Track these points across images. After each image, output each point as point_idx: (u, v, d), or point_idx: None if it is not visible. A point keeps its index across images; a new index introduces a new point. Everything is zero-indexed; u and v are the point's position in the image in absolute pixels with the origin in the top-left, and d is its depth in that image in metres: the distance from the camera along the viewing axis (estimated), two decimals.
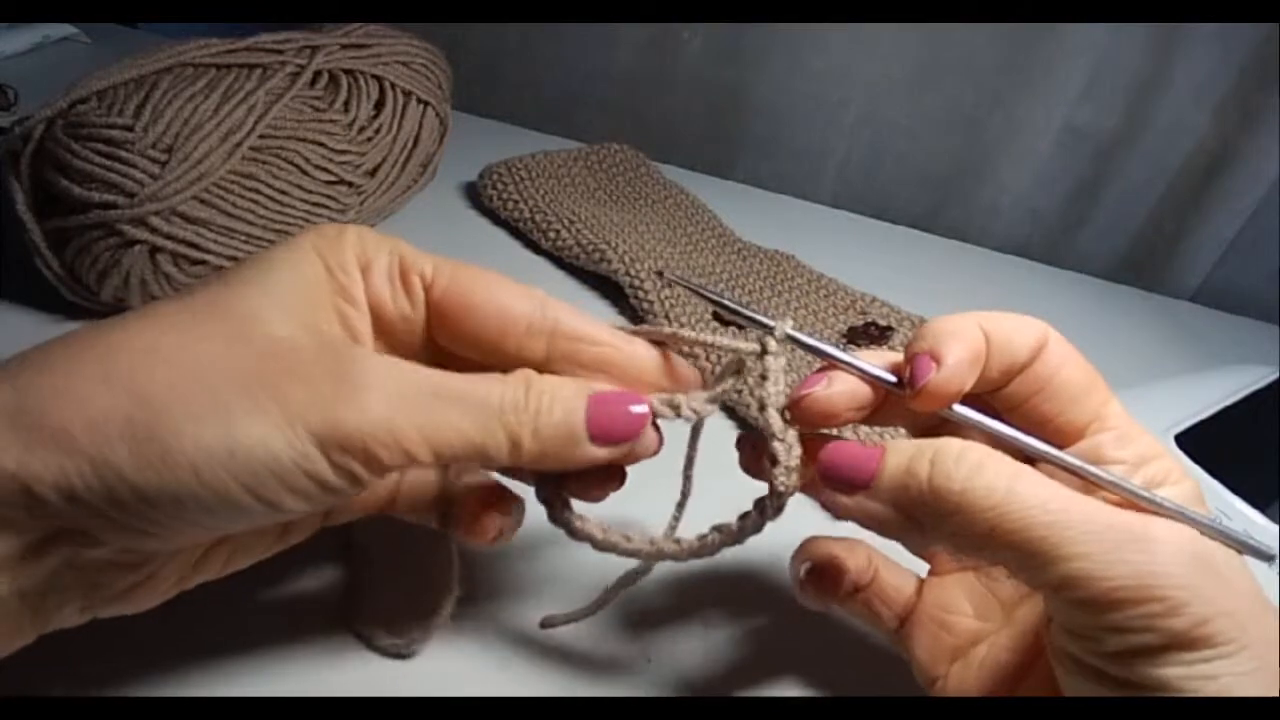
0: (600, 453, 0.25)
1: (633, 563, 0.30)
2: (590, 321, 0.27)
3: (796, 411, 0.26)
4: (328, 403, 0.21)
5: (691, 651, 0.33)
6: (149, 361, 0.21)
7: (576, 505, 0.27)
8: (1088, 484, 0.24)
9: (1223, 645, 0.20)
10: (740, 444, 0.29)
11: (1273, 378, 0.45)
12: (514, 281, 0.27)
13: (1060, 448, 0.25)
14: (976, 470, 0.22)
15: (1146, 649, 0.21)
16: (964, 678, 0.27)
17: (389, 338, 0.27)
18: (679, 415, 0.26)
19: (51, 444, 0.20)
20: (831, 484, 0.25)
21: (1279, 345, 0.63)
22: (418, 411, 0.22)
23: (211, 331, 0.22)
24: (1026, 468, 0.23)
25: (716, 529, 0.27)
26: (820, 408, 0.26)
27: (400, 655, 0.31)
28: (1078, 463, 0.24)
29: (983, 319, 0.26)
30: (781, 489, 0.26)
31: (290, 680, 0.30)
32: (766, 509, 0.26)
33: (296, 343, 0.23)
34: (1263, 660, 0.21)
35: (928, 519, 0.23)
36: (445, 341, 0.27)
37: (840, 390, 0.26)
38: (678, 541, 0.27)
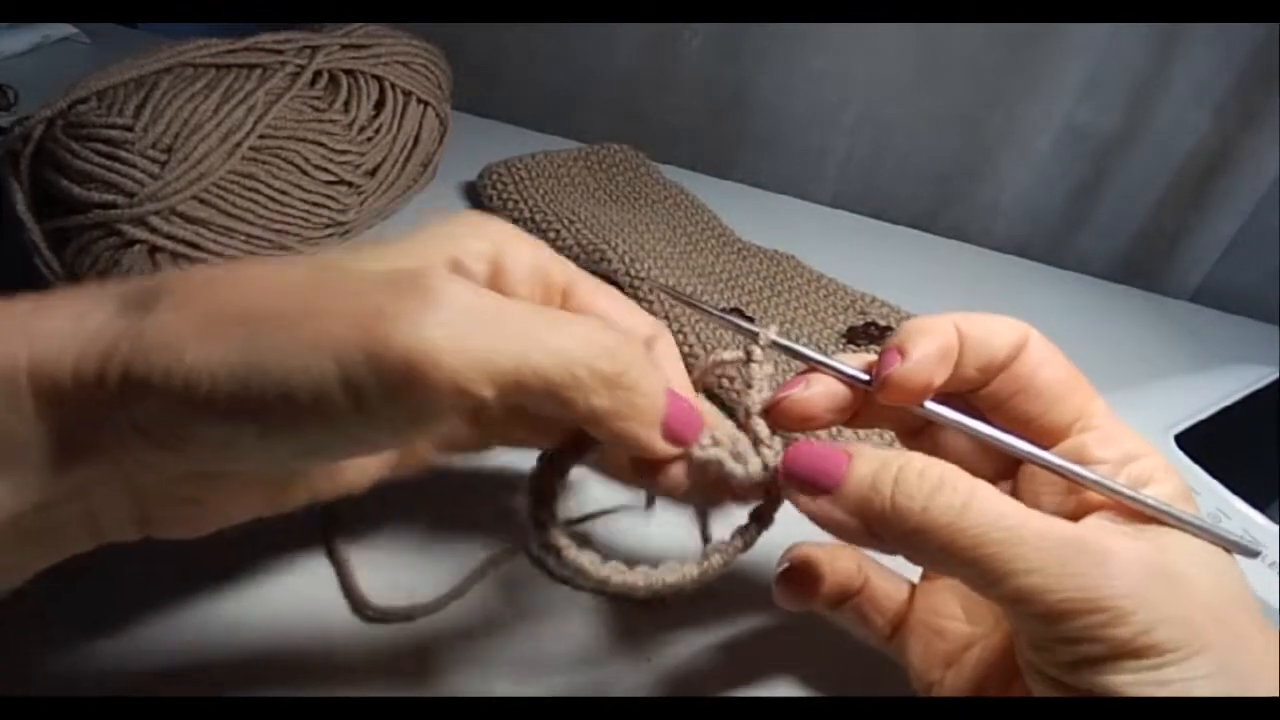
0: (662, 448, 0.24)
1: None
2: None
3: (776, 414, 0.27)
4: (370, 322, 0.19)
5: (691, 651, 0.33)
6: (244, 286, 0.21)
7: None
8: (1072, 483, 0.25)
9: (1171, 652, 0.20)
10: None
11: (1273, 378, 0.45)
12: (634, 305, 0.28)
13: (1045, 448, 0.25)
14: (937, 488, 0.22)
15: (1095, 658, 0.21)
16: (958, 683, 0.28)
17: None
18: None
19: (104, 346, 0.20)
20: (796, 484, 0.24)
21: (1279, 345, 0.63)
22: (476, 337, 0.20)
23: (304, 268, 0.22)
24: (984, 484, 0.23)
25: (716, 549, 0.26)
26: (799, 409, 0.26)
27: (408, 618, 0.31)
28: (1059, 461, 0.25)
29: (959, 318, 0.26)
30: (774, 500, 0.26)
31: (279, 679, 0.30)
32: (764, 518, 0.26)
33: (373, 274, 0.21)
34: (1225, 662, 0.21)
35: (888, 533, 0.23)
36: None
37: (818, 392, 0.26)
38: (680, 564, 0.25)
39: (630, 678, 0.32)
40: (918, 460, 0.23)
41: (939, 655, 0.28)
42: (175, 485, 0.23)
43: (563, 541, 0.24)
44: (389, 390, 0.19)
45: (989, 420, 0.26)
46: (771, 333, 0.27)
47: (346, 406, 0.19)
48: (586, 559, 0.23)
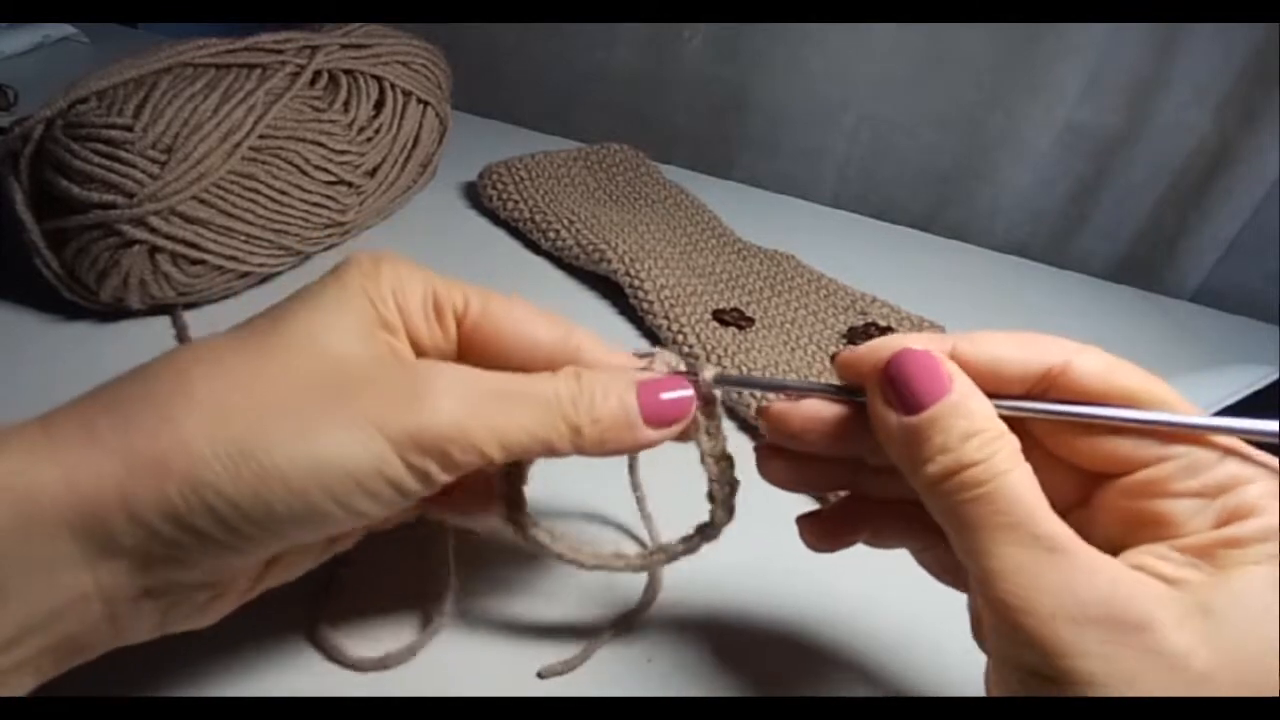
0: (655, 435, 0.27)
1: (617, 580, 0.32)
2: (611, 353, 0.28)
3: (762, 419, 0.28)
4: (402, 410, 0.23)
5: (691, 651, 0.33)
6: (229, 388, 0.22)
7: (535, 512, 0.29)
8: (1139, 511, 0.24)
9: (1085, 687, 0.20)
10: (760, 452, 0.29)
11: (1273, 378, 0.45)
12: (541, 311, 0.28)
13: (1114, 477, 0.24)
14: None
15: (1026, 668, 0.22)
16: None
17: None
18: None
19: (152, 470, 0.21)
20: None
21: (1279, 345, 0.63)
22: (486, 412, 0.24)
23: (279, 354, 0.23)
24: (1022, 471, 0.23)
25: (662, 548, 0.30)
26: (775, 424, 0.27)
27: (378, 668, 0.31)
28: (1064, 408, 0.24)
29: (963, 338, 0.25)
30: (720, 524, 0.29)
31: (275, 680, 0.30)
32: (709, 535, 0.29)
33: (360, 358, 0.24)
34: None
35: (914, 472, 0.23)
36: (473, 363, 0.28)
37: (804, 407, 0.27)
38: (622, 556, 0.30)
39: (630, 678, 0.32)
40: (1009, 456, 0.23)
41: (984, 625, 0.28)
42: (193, 589, 0.24)
43: (529, 523, 0.29)
44: (431, 460, 0.23)
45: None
46: (708, 373, 0.28)
47: (402, 475, 0.23)
48: (545, 537, 0.29)
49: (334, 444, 0.22)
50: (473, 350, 0.28)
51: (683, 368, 0.28)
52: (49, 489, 0.20)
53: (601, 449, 0.26)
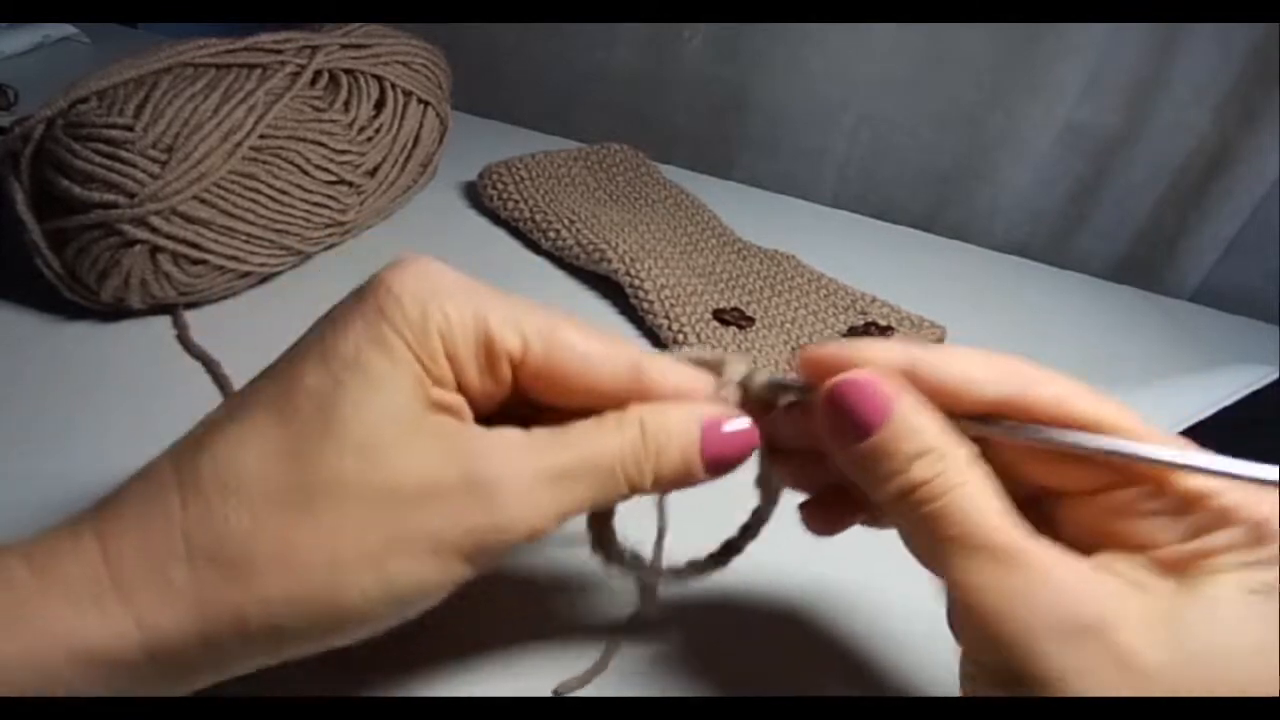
0: (708, 477, 0.26)
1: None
2: (687, 376, 0.26)
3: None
4: (472, 524, 0.23)
5: (690, 652, 0.33)
6: (297, 523, 0.22)
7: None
8: (1107, 520, 0.24)
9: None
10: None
11: (1273, 378, 0.45)
12: (608, 345, 0.25)
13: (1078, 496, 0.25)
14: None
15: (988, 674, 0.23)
16: None
17: (474, 405, 0.26)
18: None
19: (232, 623, 0.21)
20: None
21: (1279, 345, 0.63)
22: (550, 500, 0.23)
23: (339, 472, 0.22)
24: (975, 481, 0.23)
25: (713, 556, 0.30)
26: (772, 433, 0.27)
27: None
28: (1025, 430, 0.24)
29: (920, 356, 0.24)
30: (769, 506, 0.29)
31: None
32: (762, 517, 0.29)
33: (424, 463, 0.23)
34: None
35: (871, 494, 0.24)
36: (529, 397, 0.26)
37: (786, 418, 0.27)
38: (695, 564, 0.30)
39: (630, 678, 0.32)
40: (959, 473, 0.23)
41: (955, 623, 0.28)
42: None
43: (622, 556, 0.29)
44: (495, 557, 0.23)
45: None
46: (760, 375, 0.27)
47: (466, 576, 0.23)
48: (631, 567, 0.29)
49: (408, 574, 0.22)
50: (531, 391, 0.25)
51: (744, 376, 0.27)
52: (127, 645, 0.21)
53: (658, 491, 0.26)
